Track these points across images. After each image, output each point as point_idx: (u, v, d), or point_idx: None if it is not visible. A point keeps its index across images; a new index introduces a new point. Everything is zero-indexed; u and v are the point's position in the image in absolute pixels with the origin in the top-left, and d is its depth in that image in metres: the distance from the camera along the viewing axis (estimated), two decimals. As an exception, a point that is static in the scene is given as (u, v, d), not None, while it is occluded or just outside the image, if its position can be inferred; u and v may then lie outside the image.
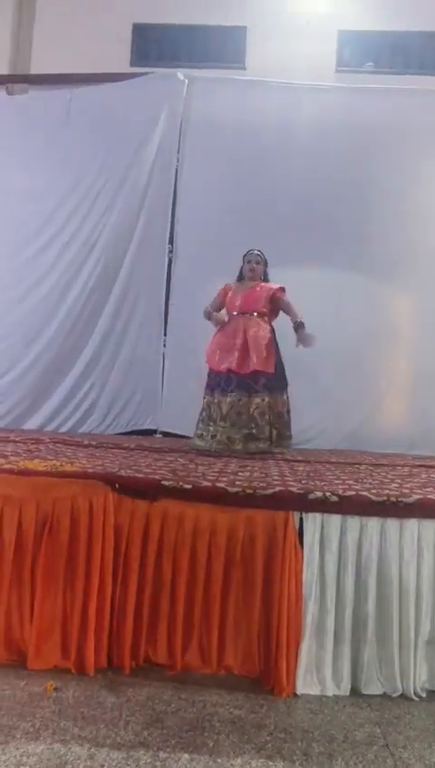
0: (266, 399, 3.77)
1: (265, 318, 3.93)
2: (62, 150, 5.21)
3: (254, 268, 3.98)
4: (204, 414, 3.92)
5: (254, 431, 3.73)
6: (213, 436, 3.79)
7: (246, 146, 4.97)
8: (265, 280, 4.03)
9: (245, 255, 4.05)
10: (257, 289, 3.95)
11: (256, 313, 3.89)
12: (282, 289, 3.93)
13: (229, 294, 4.00)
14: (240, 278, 4.08)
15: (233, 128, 5.02)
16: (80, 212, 5.19)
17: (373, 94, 5.07)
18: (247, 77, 5.48)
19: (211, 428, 3.81)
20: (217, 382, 3.88)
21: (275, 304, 3.94)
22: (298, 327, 3.75)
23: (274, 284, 3.99)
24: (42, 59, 5.86)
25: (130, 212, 5.14)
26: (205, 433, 3.85)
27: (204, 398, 3.96)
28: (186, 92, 5.19)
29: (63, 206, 5.20)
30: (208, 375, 3.97)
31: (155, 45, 6.01)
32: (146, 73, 5.41)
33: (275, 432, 3.79)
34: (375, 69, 5.80)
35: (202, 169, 5.08)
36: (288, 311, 3.87)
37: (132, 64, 5.89)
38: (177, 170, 5.15)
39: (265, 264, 4.05)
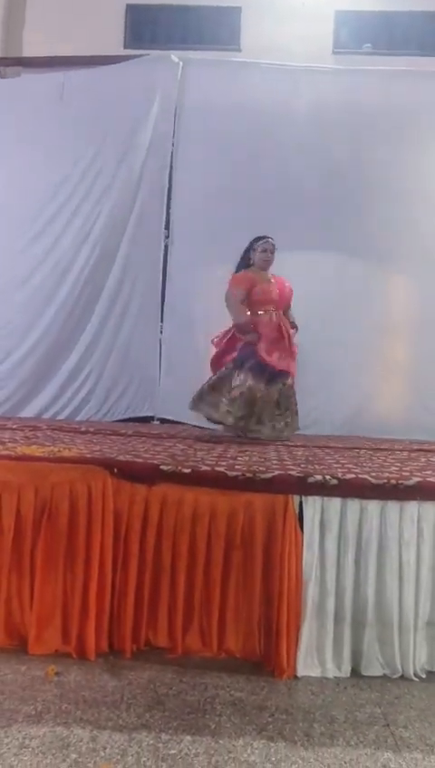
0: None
1: None
2: (56, 135, 5.14)
3: (269, 258, 3.81)
4: (242, 400, 3.67)
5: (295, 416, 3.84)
6: (273, 427, 3.73)
7: (242, 129, 4.90)
8: None
9: (257, 242, 3.82)
10: (287, 286, 3.88)
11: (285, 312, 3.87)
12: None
13: (257, 286, 3.77)
14: (246, 265, 3.85)
15: (228, 110, 4.95)
16: (75, 198, 5.12)
17: (371, 76, 5.00)
18: (243, 59, 5.40)
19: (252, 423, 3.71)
20: (261, 369, 3.72)
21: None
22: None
23: (286, 280, 3.91)
24: (34, 41, 5.76)
25: (126, 197, 5.08)
26: (261, 421, 3.71)
27: (241, 381, 3.71)
28: (180, 75, 5.12)
29: (59, 191, 5.13)
30: (244, 358, 3.75)
31: (149, 27, 5.91)
32: (140, 56, 5.32)
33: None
34: (373, 50, 5.72)
35: (198, 153, 5.02)
36: (289, 312, 3.90)
37: (126, 46, 5.79)
38: (172, 154, 5.08)
39: None
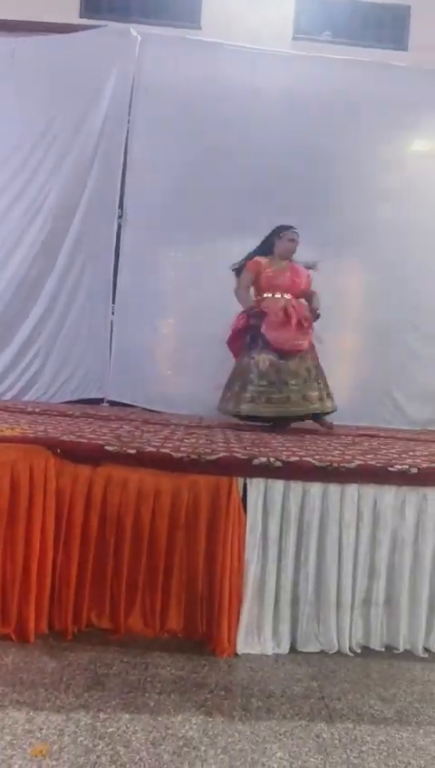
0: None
1: None
2: (7, 104, 4.91)
3: (294, 249, 3.84)
4: (255, 375, 3.62)
5: (324, 389, 3.76)
6: (286, 399, 3.59)
7: (201, 109, 4.82)
8: None
9: (283, 230, 3.84)
10: (304, 274, 3.87)
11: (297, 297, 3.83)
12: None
13: (266, 271, 3.79)
14: (264, 252, 3.88)
15: (186, 90, 4.85)
16: (24, 173, 4.92)
17: (330, 64, 5.01)
18: (202, 37, 5.30)
19: (279, 389, 3.59)
20: (255, 342, 3.70)
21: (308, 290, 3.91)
22: (316, 317, 3.81)
23: (304, 269, 3.89)
24: (-17, 4, 5.48)
25: (79, 173, 4.92)
26: (271, 395, 3.59)
27: (250, 358, 3.70)
28: (138, 50, 4.98)
29: (6, 166, 4.92)
30: (251, 335, 3.75)
31: (106, -3, 5.72)
32: (97, 26, 5.14)
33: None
34: (332, 39, 5.74)
35: (154, 132, 4.90)
36: (312, 299, 3.85)
37: (82, 15, 5.59)
38: (127, 132, 4.96)
39: None
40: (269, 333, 3.67)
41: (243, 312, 3.85)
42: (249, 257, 3.90)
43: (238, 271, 3.94)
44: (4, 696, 1.75)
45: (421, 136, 5.09)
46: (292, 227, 3.86)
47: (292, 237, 3.82)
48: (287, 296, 3.76)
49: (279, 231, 3.85)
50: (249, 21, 5.39)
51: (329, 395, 3.80)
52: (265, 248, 3.89)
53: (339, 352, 4.97)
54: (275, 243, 3.85)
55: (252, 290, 3.91)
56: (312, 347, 3.83)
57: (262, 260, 3.84)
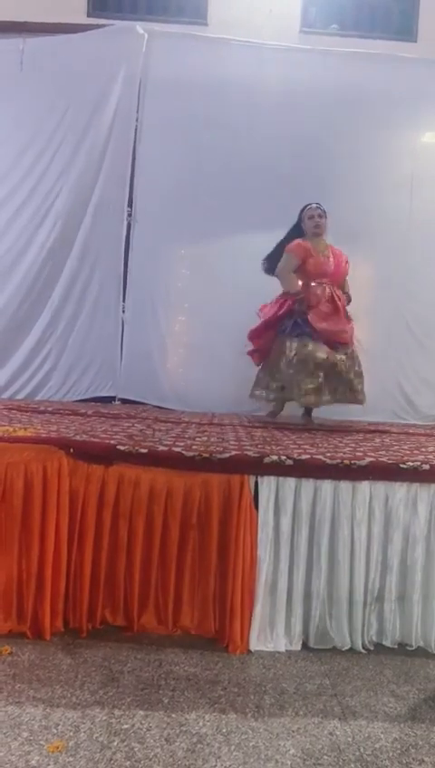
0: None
1: None
2: (15, 105, 4.94)
3: (319, 223, 3.69)
4: (297, 365, 3.53)
5: (355, 382, 3.72)
6: (317, 390, 3.52)
7: (208, 106, 4.81)
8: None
9: (303, 211, 3.75)
10: (344, 259, 3.80)
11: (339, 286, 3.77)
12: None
13: (313, 257, 3.64)
14: (298, 234, 3.75)
15: (194, 86, 4.84)
16: (35, 172, 4.95)
17: (337, 57, 4.97)
18: (209, 34, 5.29)
19: (313, 380, 3.51)
20: (301, 328, 3.58)
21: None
22: (348, 301, 3.78)
23: (342, 253, 3.82)
24: (-7, 5, 5.50)
25: (89, 173, 4.94)
26: (311, 385, 3.52)
27: (285, 344, 3.62)
28: (145, 48, 4.98)
29: (17, 165, 4.95)
30: (294, 321, 3.62)
31: (113, -5, 5.72)
32: (104, 25, 5.14)
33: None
34: (340, 31, 5.69)
35: (162, 130, 4.91)
36: (345, 284, 3.85)
37: (89, 15, 5.59)
38: (136, 130, 4.96)
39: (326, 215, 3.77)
40: (319, 323, 3.55)
41: (284, 295, 3.71)
42: (281, 245, 3.77)
43: (270, 261, 3.81)
44: (21, 693, 1.77)
45: (431, 127, 5.04)
46: (311, 204, 3.75)
47: (311, 214, 3.71)
48: (329, 284, 3.68)
49: (301, 212, 3.78)
50: (256, 16, 5.35)
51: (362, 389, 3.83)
52: (296, 232, 3.78)
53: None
54: (301, 225, 3.76)
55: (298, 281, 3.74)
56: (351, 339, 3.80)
57: (306, 243, 3.68)
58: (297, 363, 3.54)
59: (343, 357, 3.62)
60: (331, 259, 3.71)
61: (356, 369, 3.75)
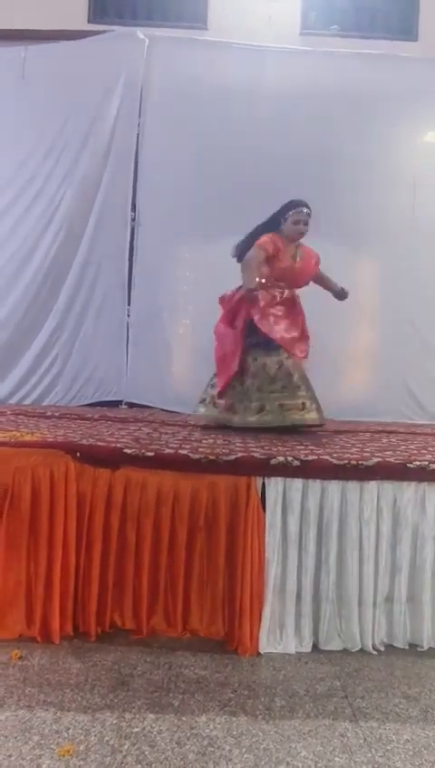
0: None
1: None
2: (18, 112, 4.97)
3: (302, 230, 3.34)
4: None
5: (307, 400, 3.19)
6: (260, 410, 3.15)
7: (209, 109, 4.83)
8: None
9: (289, 210, 3.32)
10: (313, 262, 3.46)
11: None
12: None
13: (281, 261, 3.32)
14: (274, 228, 3.37)
15: (196, 90, 4.86)
16: (38, 179, 4.98)
17: (338, 58, 4.98)
18: (210, 38, 5.30)
19: (254, 397, 3.18)
20: (255, 340, 3.26)
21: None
22: (345, 295, 3.45)
23: (313, 252, 3.48)
24: (-6, 14, 5.54)
25: (92, 178, 4.97)
26: (243, 403, 3.21)
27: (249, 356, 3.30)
28: (146, 53, 5.01)
29: (21, 172, 4.98)
30: (248, 326, 3.30)
31: (113, 1, 5.75)
32: (104, 31, 5.18)
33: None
34: (341, 32, 5.69)
35: (164, 134, 4.93)
36: (324, 282, 3.50)
37: (90, 21, 5.63)
38: (138, 134, 4.99)
39: None
40: (259, 320, 3.24)
41: (239, 290, 3.40)
42: (253, 235, 3.40)
43: (240, 249, 3.46)
44: (31, 697, 1.78)
45: (433, 126, 5.03)
46: (300, 207, 3.33)
47: (297, 219, 3.30)
48: (289, 289, 3.41)
49: (286, 210, 3.35)
50: (256, 18, 5.36)
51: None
52: (271, 227, 3.39)
53: (354, 347, 4.95)
54: (281, 222, 3.36)
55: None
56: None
57: (278, 242, 3.32)
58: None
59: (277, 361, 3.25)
60: (297, 263, 3.39)
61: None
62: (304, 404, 3.19)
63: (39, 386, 4.89)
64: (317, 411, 3.23)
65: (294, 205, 3.35)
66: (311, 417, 3.19)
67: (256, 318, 3.27)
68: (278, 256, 3.32)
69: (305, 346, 3.43)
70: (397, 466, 2.22)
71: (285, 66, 4.95)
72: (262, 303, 3.29)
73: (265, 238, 3.32)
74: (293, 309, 3.43)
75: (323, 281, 3.56)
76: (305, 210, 3.34)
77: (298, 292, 3.59)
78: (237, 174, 4.77)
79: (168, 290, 4.97)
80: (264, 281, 3.31)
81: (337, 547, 2.20)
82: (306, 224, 3.35)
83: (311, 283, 3.62)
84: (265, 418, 3.17)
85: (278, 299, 3.38)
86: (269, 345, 3.26)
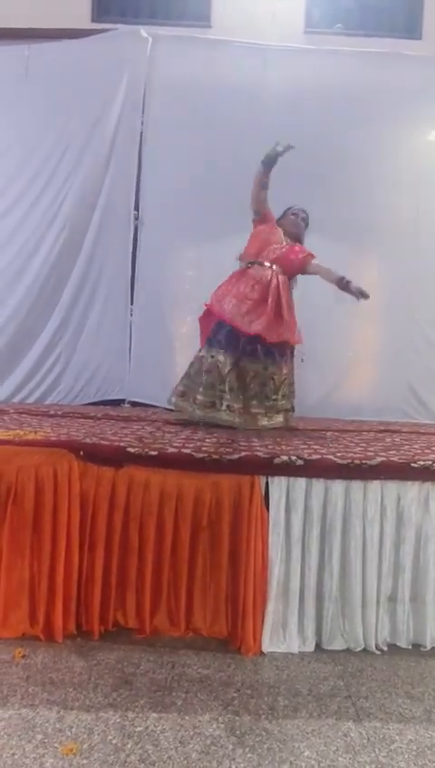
0: (286, 370, 3.43)
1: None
2: (22, 110, 4.98)
3: (298, 224, 3.58)
4: (206, 376, 3.27)
5: (280, 403, 3.37)
6: (228, 407, 3.24)
7: (213, 107, 4.82)
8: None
9: (290, 208, 3.63)
10: (296, 248, 3.51)
11: (285, 274, 3.45)
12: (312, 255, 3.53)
13: (274, 234, 3.48)
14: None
15: (199, 89, 4.86)
16: (42, 177, 4.98)
17: (342, 57, 4.96)
18: (213, 36, 5.29)
19: (227, 397, 3.24)
20: (234, 342, 3.28)
21: (303, 270, 3.50)
22: (346, 284, 3.30)
23: (300, 247, 3.55)
24: (-1, 14, 5.54)
25: (95, 177, 4.97)
26: (217, 401, 3.25)
27: (207, 355, 3.34)
28: (149, 51, 5.00)
29: (24, 170, 4.99)
30: (218, 329, 3.35)
31: (117, 0, 5.74)
32: (108, 30, 5.17)
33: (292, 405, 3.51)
34: (345, 31, 5.67)
35: (168, 133, 4.92)
36: (321, 272, 3.43)
37: (93, 20, 5.62)
38: (141, 133, 4.98)
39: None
40: (221, 307, 3.33)
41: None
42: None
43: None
44: (34, 696, 1.78)
45: (437, 125, 5.02)
46: (300, 208, 3.64)
47: (295, 212, 3.59)
48: (271, 268, 3.39)
49: (285, 211, 3.65)
50: (260, 17, 5.34)
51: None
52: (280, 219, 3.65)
53: (358, 347, 4.94)
54: (281, 220, 3.63)
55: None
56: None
57: (276, 226, 3.55)
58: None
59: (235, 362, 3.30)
60: (282, 247, 3.47)
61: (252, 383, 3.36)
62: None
63: (42, 384, 4.89)
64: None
65: (294, 206, 3.63)
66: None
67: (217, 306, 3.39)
68: (272, 232, 3.50)
69: (260, 321, 3.32)
70: (401, 466, 2.22)
71: (289, 65, 4.94)
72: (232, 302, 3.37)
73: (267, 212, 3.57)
74: (264, 290, 3.36)
75: (320, 274, 3.47)
76: (303, 213, 3.63)
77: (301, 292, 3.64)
78: (241, 172, 4.73)
79: (171, 289, 4.97)
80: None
81: (341, 546, 2.19)
82: (304, 220, 3.59)
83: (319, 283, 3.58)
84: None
85: (260, 278, 3.38)
86: (273, 354, 3.35)
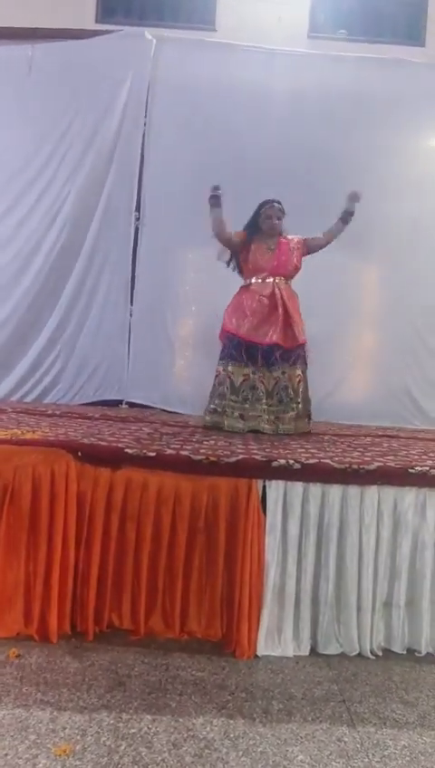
0: (300, 372, 3.52)
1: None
2: (24, 111, 4.98)
3: (274, 225, 3.52)
4: (232, 390, 3.42)
5: (300, 408, 3.47)
6: (258, 417, 3.37)
7: (216, 110, 4.84)
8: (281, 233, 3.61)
9: (261, 208, 3.55)
10: (287, 250, 3.55)
11: (287, 279, 3.55)
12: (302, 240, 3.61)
13: (253, 248, 3.51)
14: (255, 231, 3.57)
15: (202, 92, 4.88)
16: (43, 177, 4.99)
17: (346, 62, 4.98)
18: (218, 39, 5.31)
19: (255, 407, 3.39)
20: (253, 354, 3.43)
21: (307, 250, 3.61)
22: (349, 215, 3.60)
23: (293, 236, 3.59)
24: (2, 13, 5.55)
25: (96, 177, 4.98)
26: (243, 413, 3.39)
27: (225, 370, 3.48)
28: (153, 53, 5.01)
29: (26, 170, 4.99)
30: (233, 345, 3.48)
31: (122, 2, 5.76)
32: (112, 31, 5.18)
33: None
34: (348, 36, 5.70)
35: (170, 135, 4.93)
36: (323, 239, 3.62)
37: (98, 21, 5.64)
38: (144, 134, 4.99)
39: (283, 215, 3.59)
40: (229, 321, 3.48)
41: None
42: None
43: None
44: (28, 696, 1.77)
45: (439, 132, 5.05)
46: (271, 202, 3.55)
47: (268, 214, 3.51)
48: (270, 277, 3.50)
49: (259, 208, 3.58)
50: (264, 21, 5.37)
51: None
52: (252, 229, 3.58)
53: (355, 351, 4.95)
54: (258, 221, 3.57)
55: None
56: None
57: (250, 235, 3.56)
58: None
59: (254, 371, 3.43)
60: (274, 256, 3.52)
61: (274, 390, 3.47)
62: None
63: (41, 384, 4.89)
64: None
65: (265, 203, 3.56)
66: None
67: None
68: (249, 249, 3.53)
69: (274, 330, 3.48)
70: (398, 471, 2.22)
71: (293, 68, 4.96)
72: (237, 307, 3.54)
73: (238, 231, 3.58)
74: (273, 302, 3.49)
75: (323, 241, 3.64)
76: (277, 205, 3.55)
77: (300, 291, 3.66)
78: (242, 175, 4.76)
79: (170, 290, 4.98)
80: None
81: (337, 551, 2.20)
82: (279, 218, 3.55)
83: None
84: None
85: (258, 291, 3.51)
86: (289, 359, 3.49)
